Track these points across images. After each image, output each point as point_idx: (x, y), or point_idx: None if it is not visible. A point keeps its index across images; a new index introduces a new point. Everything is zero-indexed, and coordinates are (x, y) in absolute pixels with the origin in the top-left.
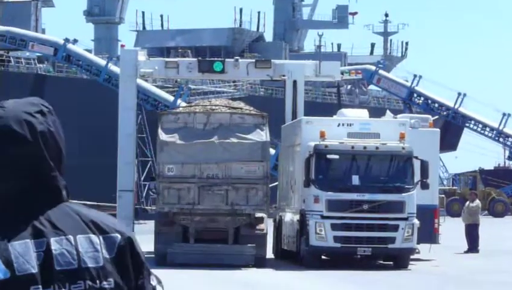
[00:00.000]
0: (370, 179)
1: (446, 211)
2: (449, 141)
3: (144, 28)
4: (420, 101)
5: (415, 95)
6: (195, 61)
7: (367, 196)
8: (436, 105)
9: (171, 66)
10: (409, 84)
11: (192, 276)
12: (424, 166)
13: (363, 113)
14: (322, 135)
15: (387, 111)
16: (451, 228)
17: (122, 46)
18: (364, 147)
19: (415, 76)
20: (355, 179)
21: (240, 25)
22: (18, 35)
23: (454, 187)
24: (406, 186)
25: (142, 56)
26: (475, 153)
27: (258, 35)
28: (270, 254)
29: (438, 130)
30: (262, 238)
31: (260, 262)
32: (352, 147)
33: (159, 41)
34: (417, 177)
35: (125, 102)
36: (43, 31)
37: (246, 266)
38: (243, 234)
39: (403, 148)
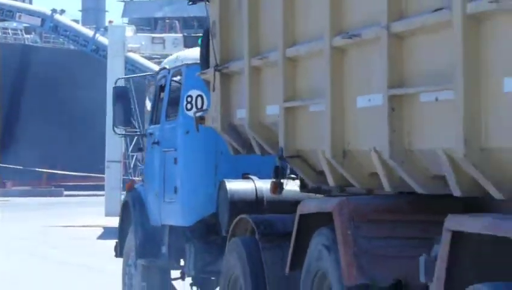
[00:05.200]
0: None
1: None
2: None
3: None
4: None
5: None
6: (181, 37)
7: None
8: None
9: (157, 41)
10: None
11: None
12: None
13: None
14: None
15: None
16: None
17: (110, 22)
18: None
19: None
20: None
21: None
22: (5, 6)
23: None
24: None
25: (129, 32)
26: None
27: None
28: None
29: None
30: None
31: None
32: None
33: (146, 11)
34: None
35: (114, 77)
36: (30, 2)
37: None
38: None
39: None
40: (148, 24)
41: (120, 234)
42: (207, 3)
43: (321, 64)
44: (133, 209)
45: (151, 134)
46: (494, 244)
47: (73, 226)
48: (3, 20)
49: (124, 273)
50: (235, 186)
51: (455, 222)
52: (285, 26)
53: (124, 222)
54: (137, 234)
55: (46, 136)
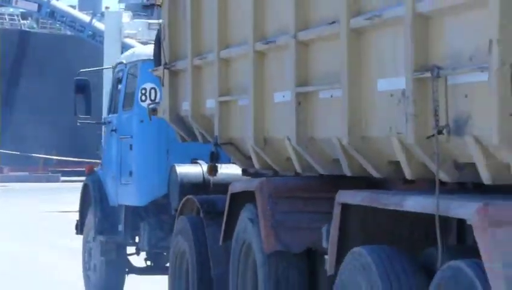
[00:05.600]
0: None
1: None
2: None
3: None
4: None
5: None
6: None
7: None
8: None
9: (154, 27)
10: None
11: None
12: None
13: None
14: None
15: None
16: None
17: (107, 7)
18: None
19: None
20: None
21: None
22: None
23: None
24: None
25: (126, 17)
26: None
27: None
28: None
29: None
30: None
31: None
32: None
33: None
34: None
35: (111, 63)
36: None
37: None
38: None
39: None
40: (144, 10)
41: (80, 213)
42: (159, 8)
43: (246, 65)
44: (92, 191)
45: (109, 122)
46: (374, 214)
47: (71, 211)
48: (0, 5)
49: (84, 250)
50: (185, 170)
51: (343, 196)
52: (220, 31)
53: (84, 202)
54: (96, 213)
55: (43, 122)
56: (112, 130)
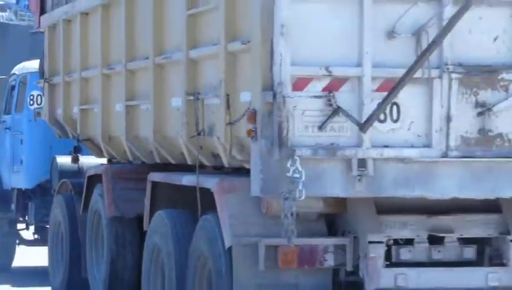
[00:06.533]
0: None
1: None
2: None
3: None
4: None
5: None
6: None
7: None
8: None
9: None
10: None
11: None
12: None
13: None
14: None
15: None
16: None
17: None
18: None
19: None
20: None
21: None
22: None
23: None
24: None
25: None
26: None
27: None
28: None
29: None
30: None
31: None
32: None
33: None
34: None
35: None
36: None
37: None
38: None
39: None
40: None
41: None
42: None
43: (96, 83)
44: None
45: (4, 121)
46: (170, 187)
47: None
48: None
49: None
50: (63, 160)
51: (152, 176)
52: (82, 59)
53: None
54: None
55: None
56: (6, 128)
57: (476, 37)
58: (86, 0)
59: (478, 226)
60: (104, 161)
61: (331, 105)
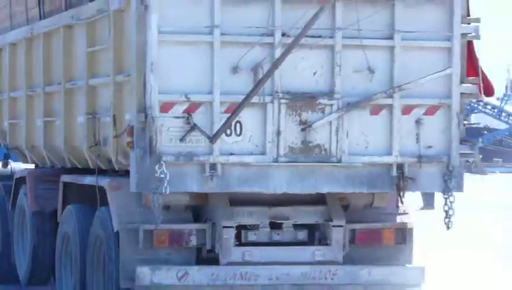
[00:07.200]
0: None
1: None
2: None
3: None
4: None
5: None
6: None
7: None
8: None
9: None
10: None
11: None
12: None
13: None
14: None
15: None
16: None
17: None
18: None
19: None
20: None
21: None
22: None
23: None
24: None
25: None
26: None
27: None
28: None
29: None
30: None
31: None
32: None
33: None
34: None
35: None
36: None
37: None
38: None
39: None
40: None
41: None
42: None
43: (22, 102)
44: None
45: None
46: (78, 187)
47: None
48: None
49: None
50: None
51: (63, 178)
52: (10, 81)
53: None
54: None
55: None
56: None
57: (300, 72)
58: (14, 33)
59: (308, 215)
60: (31, 166)
61: (189, 123)
